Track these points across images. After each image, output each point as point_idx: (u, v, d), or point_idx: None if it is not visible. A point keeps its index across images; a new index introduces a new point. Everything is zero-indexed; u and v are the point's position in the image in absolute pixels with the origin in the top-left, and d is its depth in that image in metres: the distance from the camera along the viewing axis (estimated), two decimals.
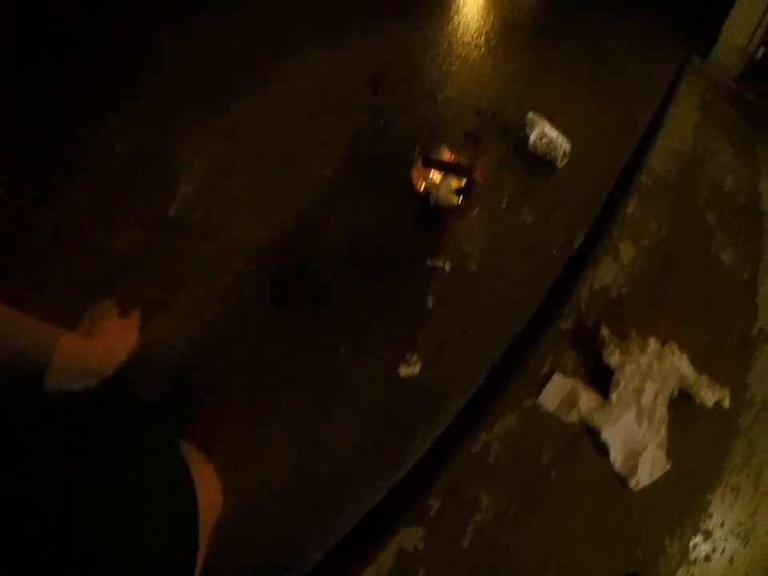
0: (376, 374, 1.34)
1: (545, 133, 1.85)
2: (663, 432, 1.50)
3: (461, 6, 2.87)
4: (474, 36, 2.61)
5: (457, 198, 1.59)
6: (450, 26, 2.67)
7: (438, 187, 1.56)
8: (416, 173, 1.62)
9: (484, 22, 2.73)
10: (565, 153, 1.85)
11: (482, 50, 2.53)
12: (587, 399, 1.42)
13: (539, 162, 1.87)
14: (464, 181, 1.59)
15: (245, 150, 1.73)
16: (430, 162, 1.60)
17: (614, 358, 1.44)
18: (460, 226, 1.63)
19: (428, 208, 1.59)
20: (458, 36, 2.59)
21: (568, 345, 1.45)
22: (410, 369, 1.34)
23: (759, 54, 3.59)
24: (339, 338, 1.38)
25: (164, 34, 2.03)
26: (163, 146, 1.68)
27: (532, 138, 1.84)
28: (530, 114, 1.91)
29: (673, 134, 2.36)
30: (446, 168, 1.59)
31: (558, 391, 1.40)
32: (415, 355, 1.36)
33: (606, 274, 1.60)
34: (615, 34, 3.09)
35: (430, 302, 1.48)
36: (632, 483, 1.41)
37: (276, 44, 2.18)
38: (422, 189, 1.61)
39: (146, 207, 1.54)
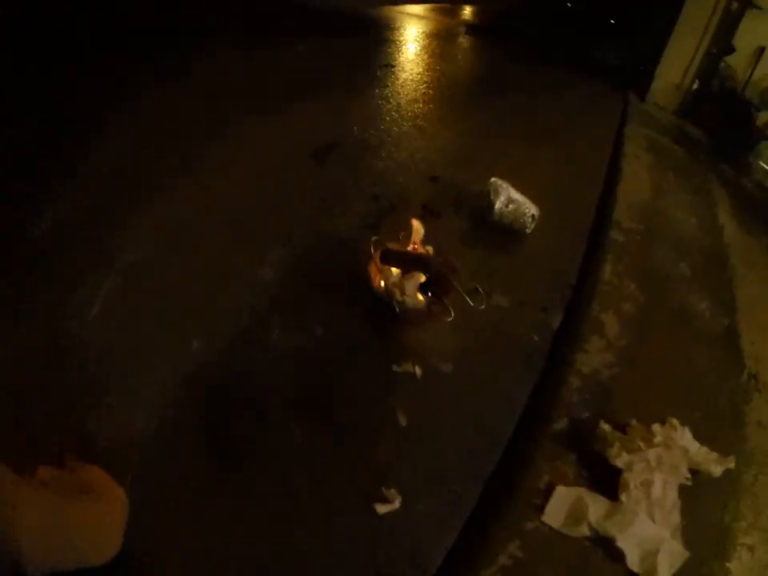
0: (347, 517, 1.11)
1: (511, 198, 1.75)
2: (676, 519, 1.36)
3: (405, 64, 2.84)
4: (423, 97, 2.55)
5: (423, 296, 1.40)
6: (397, 88, 2.61)
7: (401, 288, 1.37)
8: (373, 269, 1.41)
9: (431, 82, 2.70)
10: (533, 217, 1.75)
11: (432, 111, 2.47)
12: (595, 508, 1.25)
13: (506, 231, 1.76)
14: (430, 274, 1.42)
15: (171, 252, 1.52)
16: (390, 258, 1.40)
17: (621, 459, 1.28)
18: (429, 324, 1.44)
19: (388, 307, 1.37)
20: (406, 98, 2.53)
21: (564, 448, 1.28)
22: (388, 506, 1.14)
23: (693, 88, 3.74)
24: (295, 480, 1.13)
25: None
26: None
27: (497, 205, 1.74)
28: (493, 180, 1.81)
29: (631, 182, 2.34)
30: (409, 262, 1.40)
31: (562, 505, 1.23)
32: (392, 489, 1.16)
33: (595, 356, 1.47)
34: (561, 86, 3.14)
35: (402, 418, 1.27)
36: None
37: (217, 119, 2.04)
38: (381, 287, 1.40)
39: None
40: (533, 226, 1.78)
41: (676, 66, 3.70)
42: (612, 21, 4.43)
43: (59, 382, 1.15)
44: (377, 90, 2.59)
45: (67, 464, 0.79)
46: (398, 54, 2.93)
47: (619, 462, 1.27)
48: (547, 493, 1.22)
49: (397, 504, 1.15)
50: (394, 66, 2.82)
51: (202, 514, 1.05)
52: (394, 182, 2.00)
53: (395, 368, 1.37)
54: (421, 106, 2.53)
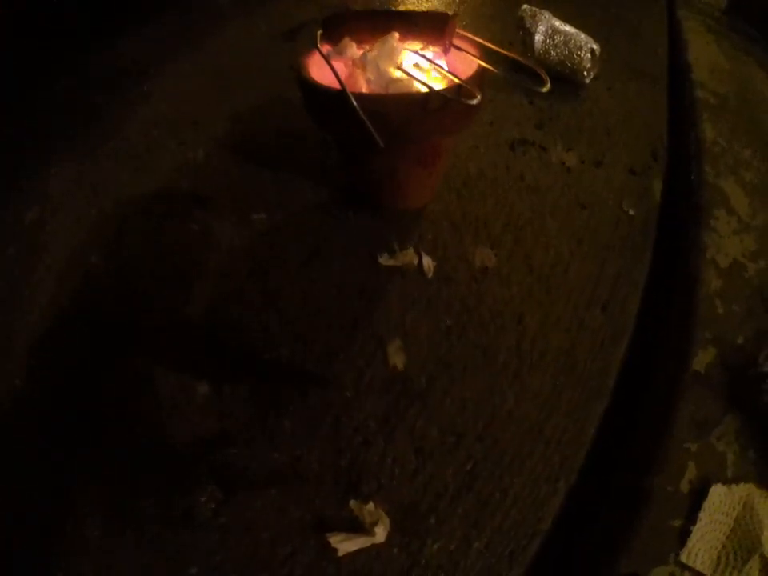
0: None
1: (555, 28, 1.15)
2: None
3: None
4: None
5: (419, 76, 0.69)
6: None
7: (364, 64, 0.70)
8: (308, 63, 0.73)
9: None
10: (594, 54, 1.15)
11: None
12: None
13: (556, 78, 1.17)
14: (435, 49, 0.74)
15: None
16: (340, 24, 0.74)
17: None
18: (436, 163, 0.82)
19: (347, 125, 0.66)
20: None
21: (716, 403, 0.66)
22: (360, 538, 0.51)
23: None
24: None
25: None
26: None
27: (538, 36, 1.13)
28: (525, 7, 1.20)
29: (702, 51, 1.74)
30: (377, 26, 0.72)
31: (719, 525, 0.63)
32: (371, 503, 0.55)
33: (729, 240, 0.87)
34: None
35: (396, 357, 0.66)
36: None
37: None
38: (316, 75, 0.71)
39: None
40: (594, 70, 1.18)
41: None
42: None
43: None
44: None
45: None
46: None
47: None
48: (693, 500, 0.62)
49: (379, 535, 0.56)
50: None
51: None
52: None
53: (383, 260, 0.78)
54: None
